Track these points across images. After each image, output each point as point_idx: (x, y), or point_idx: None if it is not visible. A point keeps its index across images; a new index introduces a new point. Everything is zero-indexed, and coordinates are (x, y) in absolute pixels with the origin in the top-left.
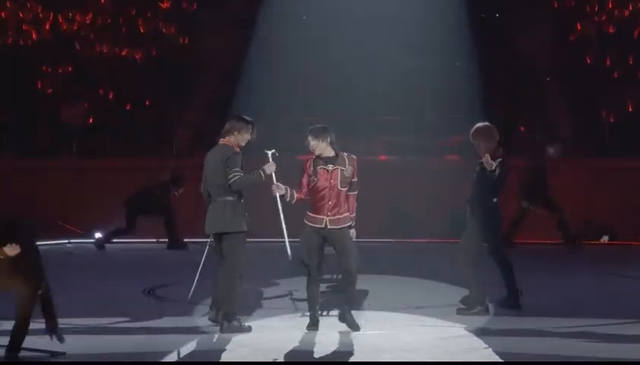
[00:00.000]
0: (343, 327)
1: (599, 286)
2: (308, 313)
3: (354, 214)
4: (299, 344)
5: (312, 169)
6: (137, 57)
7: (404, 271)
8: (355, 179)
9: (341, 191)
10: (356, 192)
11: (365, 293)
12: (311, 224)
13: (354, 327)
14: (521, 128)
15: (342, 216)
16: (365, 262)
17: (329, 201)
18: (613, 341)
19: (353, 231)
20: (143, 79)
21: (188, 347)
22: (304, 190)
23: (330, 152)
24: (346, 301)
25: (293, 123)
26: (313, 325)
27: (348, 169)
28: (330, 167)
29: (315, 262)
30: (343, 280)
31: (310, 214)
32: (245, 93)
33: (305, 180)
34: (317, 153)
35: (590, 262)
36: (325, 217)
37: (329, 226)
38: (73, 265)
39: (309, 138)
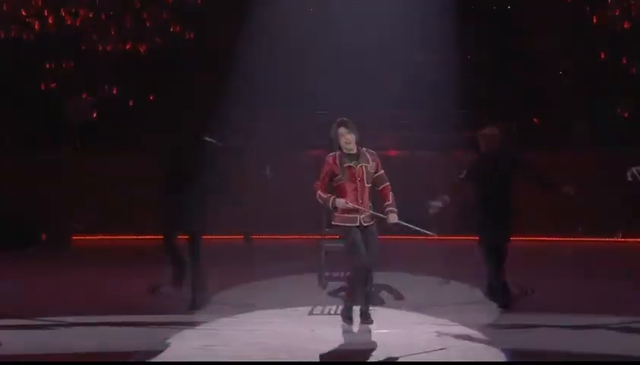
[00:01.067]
0: (353, 324)
1: (608, 283)
2: (354, 306)
3: (391, 201)
4: (306, 343)
5: (338, 166)
6: (141, 50)
7: (414, 268)
8: (381, 171)
9: (367, 187)
10: (387, 184)
11: (375, 290)
12: (349, 224)
13: (367, 320)
14: (535, 120)
15: (385, 206)
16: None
17: (359, 199)
18: (623, 338)
19: (393, 215)
20: (147, 72)
21: (192, 345)
22: (324, 188)
23: (354, 148)
24: (364, 297)
25: (300, 118)
26: (366, 319)
27: (372, 165)
28: (355, 164)
29: (364, 251)
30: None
31: (344, 214)
32: (248, 88)
33: (327, 178)
34: (346, 147)
35: (603, 259)
36: (358, 215)
37: (364, 224)
38: (78, 261)
39: (341, 129)
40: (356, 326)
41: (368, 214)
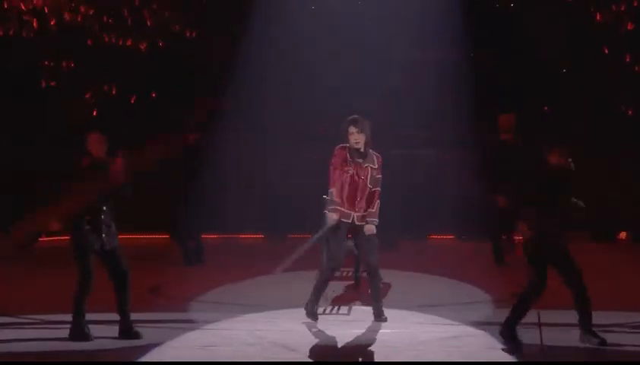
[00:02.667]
0: (356, 324)
1: (614, 282)
2: (315, 305)
3: (374, 210)
4: (309, 342)
5: (349, 159)
6: (141, 47)
7: (419, 267)
8: (379, 176)
9: (368, 188)
10: (378, 189)
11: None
12: (342, 219)
13: (380, 318)
14: (545, 108)
15: (367, 213)
16: (379, 258)
17: (358, 197)
18: (626, 335)
19: (370, 226)
20: (148, 70)
21: (193, 344)
22: (338, 178)
23: (362, 147)
24: (374, 295)
25: (304, 119)
26: (313, 315)
27: (376, 169)
28: (363, 163)
29: (342, 255)
30: (369, 276)
31: (340, 208)
32: (249, 86)
33: (338, 172)
34: (355, 146)
35: (607, 258)
36: (353, 213)
37: (356, 223)
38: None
39: (351, 127)
40: (357, 326)
41: (361, 213)
